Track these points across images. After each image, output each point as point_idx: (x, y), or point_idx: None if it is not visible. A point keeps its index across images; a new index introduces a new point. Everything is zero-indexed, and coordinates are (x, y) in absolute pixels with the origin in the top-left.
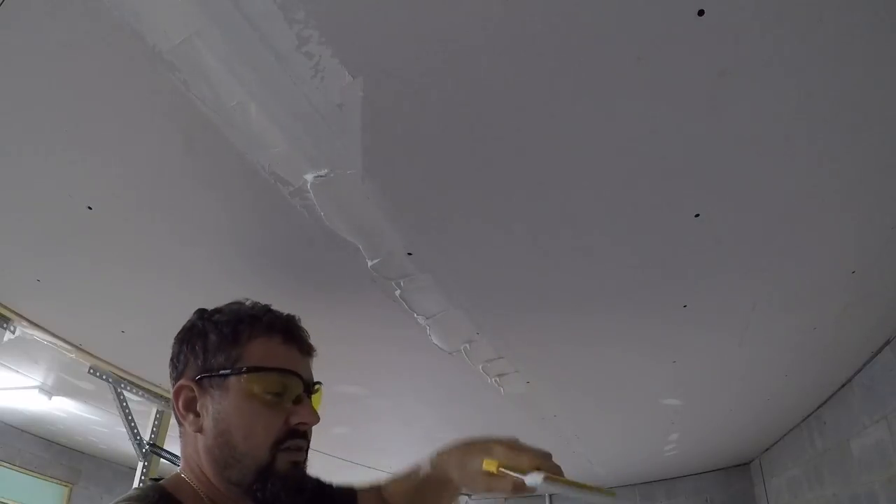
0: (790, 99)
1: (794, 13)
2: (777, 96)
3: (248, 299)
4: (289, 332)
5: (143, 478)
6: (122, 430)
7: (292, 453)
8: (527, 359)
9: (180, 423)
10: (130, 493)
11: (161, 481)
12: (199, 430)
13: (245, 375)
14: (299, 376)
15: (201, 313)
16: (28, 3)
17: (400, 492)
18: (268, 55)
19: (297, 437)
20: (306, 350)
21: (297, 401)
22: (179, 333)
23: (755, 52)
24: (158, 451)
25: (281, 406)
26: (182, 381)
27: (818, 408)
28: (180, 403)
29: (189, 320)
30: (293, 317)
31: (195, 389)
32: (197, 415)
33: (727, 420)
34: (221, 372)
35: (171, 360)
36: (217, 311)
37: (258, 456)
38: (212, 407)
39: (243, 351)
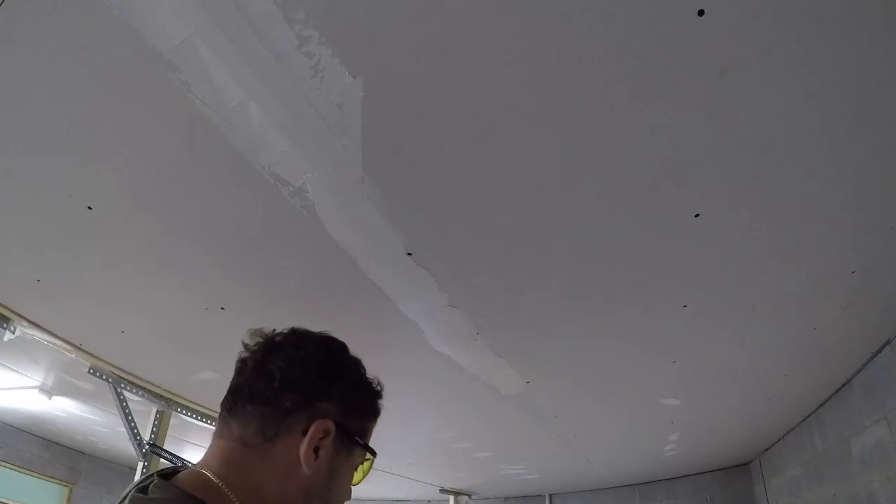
0: (790, 99)
1: (793, 13)
2: (777, 96)
3: (363, 367)
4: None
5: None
6: (122, 430)
7: None
8: (527, 359)
9: (272, 441)
10: (154, 495)
11: (180, 482)
12: (314, 470)
13: (367, 455)
14: None
15: (347, 356)
16: (28, 3)
17: None
18: (268, 55)
19: None
20: None
21: None
22: (325, 353)
23: (755, 52)
24: (158, 450)
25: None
26: (327, 422)
27: (818, 408)
28: (315, 440)
29: (337, 352)
30: None
31: (330, 434)
32: (316, 455)
33: (727, 420)
34: (356, 439)
35: (312, 375)
36: (360, 367)
37: None
38: (332, 459)
39: (367, 428)
